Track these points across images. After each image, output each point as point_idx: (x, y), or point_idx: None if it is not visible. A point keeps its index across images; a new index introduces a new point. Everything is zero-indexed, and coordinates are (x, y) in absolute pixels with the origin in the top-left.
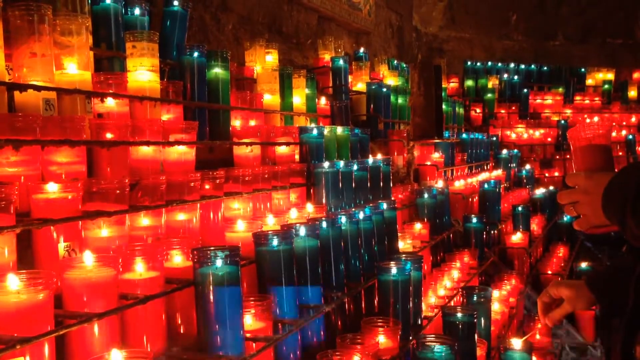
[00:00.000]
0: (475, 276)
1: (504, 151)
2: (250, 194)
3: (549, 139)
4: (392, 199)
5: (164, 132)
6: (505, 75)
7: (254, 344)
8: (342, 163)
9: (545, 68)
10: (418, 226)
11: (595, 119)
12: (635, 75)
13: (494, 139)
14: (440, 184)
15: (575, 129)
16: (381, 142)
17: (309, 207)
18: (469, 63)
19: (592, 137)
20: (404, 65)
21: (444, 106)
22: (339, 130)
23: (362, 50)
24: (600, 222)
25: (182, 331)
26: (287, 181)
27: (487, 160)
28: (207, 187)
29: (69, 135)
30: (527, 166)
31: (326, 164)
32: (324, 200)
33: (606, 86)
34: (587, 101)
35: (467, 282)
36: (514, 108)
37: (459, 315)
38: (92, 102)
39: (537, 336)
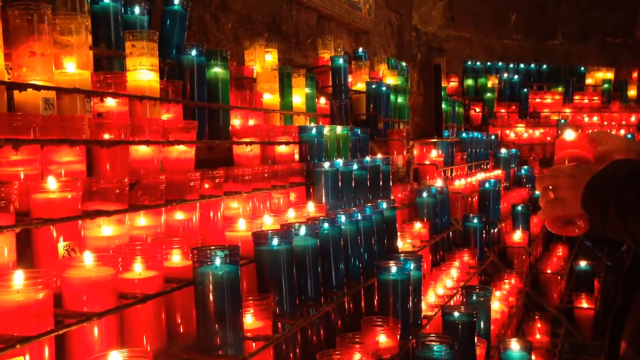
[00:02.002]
0: (474, 275)
1: (504, 150)
2: (249, 193)
3: (549, 138)
4: (392, 198)
5: (164, 132)
6: (505, 75)
7: (253, 344)
8: (341, 162)
9: (544, 67)
10: (418, 225)
11: (595, 118)
12: (635, 74)
13: (494, 138)
14: (439, 183)
15: (559, 139)
16: (381, 142)
17: (309, 207)
18: (468, 62)
19: (574, 147)
20: (404, 65)
21: (443, 105)
22: (339, 129)
23: (361, 49)
24: (572, 212)
25: (181, 331)
26: (286, 180)
27: (486, 160)
28: (206, 186)
29: (69, 134)
30: (527, 165)
31: (326, 164)
32: (323, 200)
33: (606, 85)
34: (586, 100)
35: (466, 282)
36: (513, 107)
37: (459, 314)
38: (91, 102)
39: (537, 335)
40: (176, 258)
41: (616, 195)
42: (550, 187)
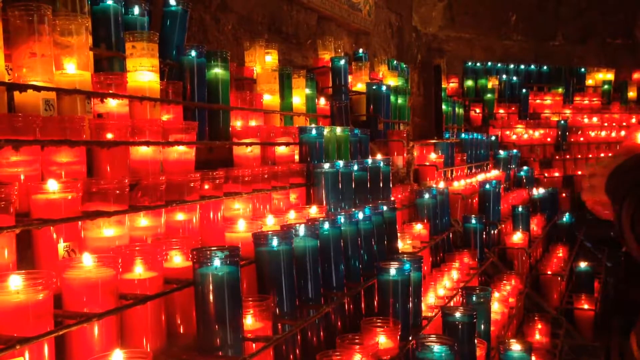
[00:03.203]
0: (474, 276)
1: (504, 151)
2: (249, 194)
3: (549, 139)
4: (392, 199)
5: (164, 132)
6: (505, 76)
7: (253, 344)
8: (341, 163)
9: (544, 68)
10: (418, 226)
11: (594, 119)
12: (635, 75)
13: (494, 139)
14: (440, 184)
15: (629, 130)
16: (381, 143)
17: (309, 208)
18: (468, 63)
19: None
20: (404, 66)
21: (443, 106)
22: (339, 130)
23: (361, 50)
24: (602, 199)
25: (181, 331)
26: (286, 181)
27: (486, 161)
28: (206, 187)
29: (69, 135)
30: (527, 167)
31: (326, 165)
32: (323, 201)
33: (606, 86)
34: (586, 101)
35: (466, 283)
36: (513, 108)
37: (459, 315)
38: (91, 102)
39: (537, 336)
40: (176, 259)
41: (627, 187)
42: (588, 174)
